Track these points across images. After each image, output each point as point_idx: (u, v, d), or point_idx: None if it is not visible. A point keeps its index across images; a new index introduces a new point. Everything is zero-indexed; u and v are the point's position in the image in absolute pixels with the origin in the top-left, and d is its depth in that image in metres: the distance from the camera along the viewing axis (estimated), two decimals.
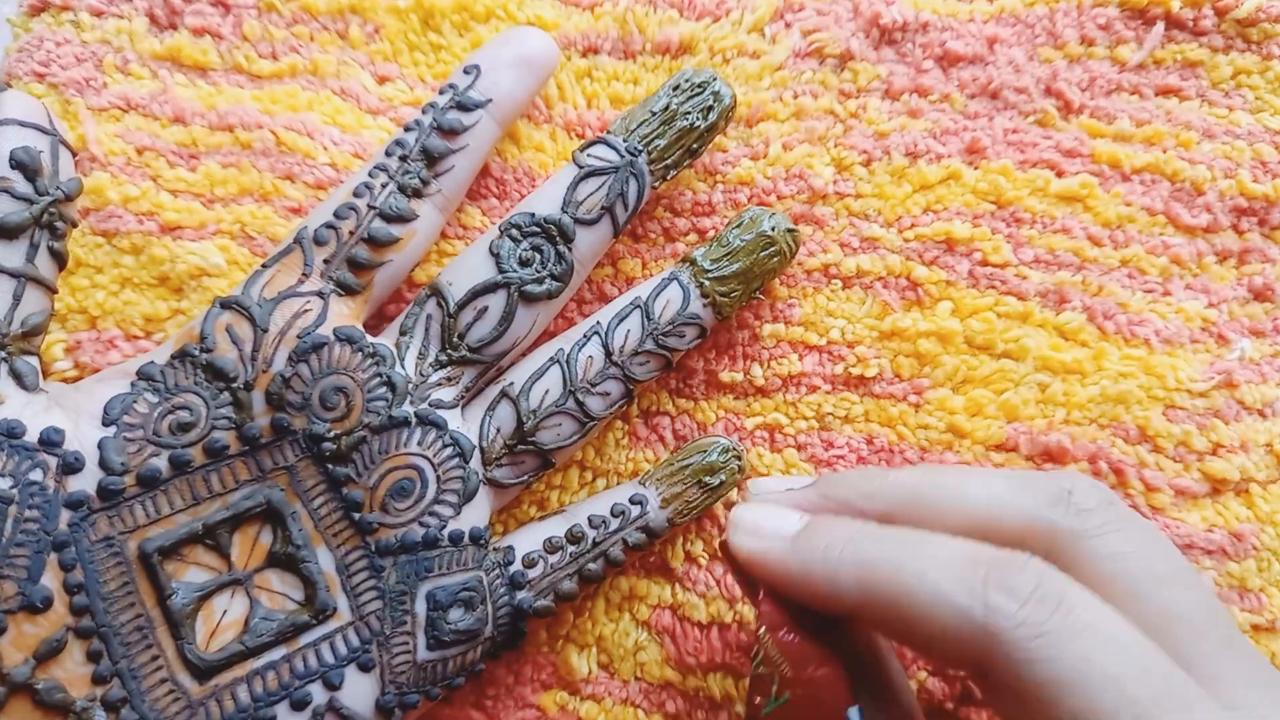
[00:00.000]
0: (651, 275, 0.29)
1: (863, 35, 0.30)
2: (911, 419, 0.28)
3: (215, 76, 0.29)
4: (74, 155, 0.24)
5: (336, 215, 0.24)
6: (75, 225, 0.24)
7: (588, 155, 0.26)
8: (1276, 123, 0.30)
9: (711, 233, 0.29)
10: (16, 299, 0.22)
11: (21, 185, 0.22)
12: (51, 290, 0.23)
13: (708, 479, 0.26)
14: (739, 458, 0.26)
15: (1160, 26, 0.30)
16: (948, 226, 0.29)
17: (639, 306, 0.26)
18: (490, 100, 0.25)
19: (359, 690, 0.23)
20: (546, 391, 0.25)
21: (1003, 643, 0.16)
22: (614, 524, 0.25)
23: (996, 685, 0.17)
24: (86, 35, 0.29)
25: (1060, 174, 0.29)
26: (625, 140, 0.26)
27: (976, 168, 0.29)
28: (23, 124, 0.23)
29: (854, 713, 0.19)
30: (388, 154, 0.25)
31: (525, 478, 0.26)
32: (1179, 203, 0.29)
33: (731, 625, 0.27)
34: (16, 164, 0.22)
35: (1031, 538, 0.19)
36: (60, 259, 0.23)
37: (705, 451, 0.26)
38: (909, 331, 0.28)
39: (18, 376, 0.22)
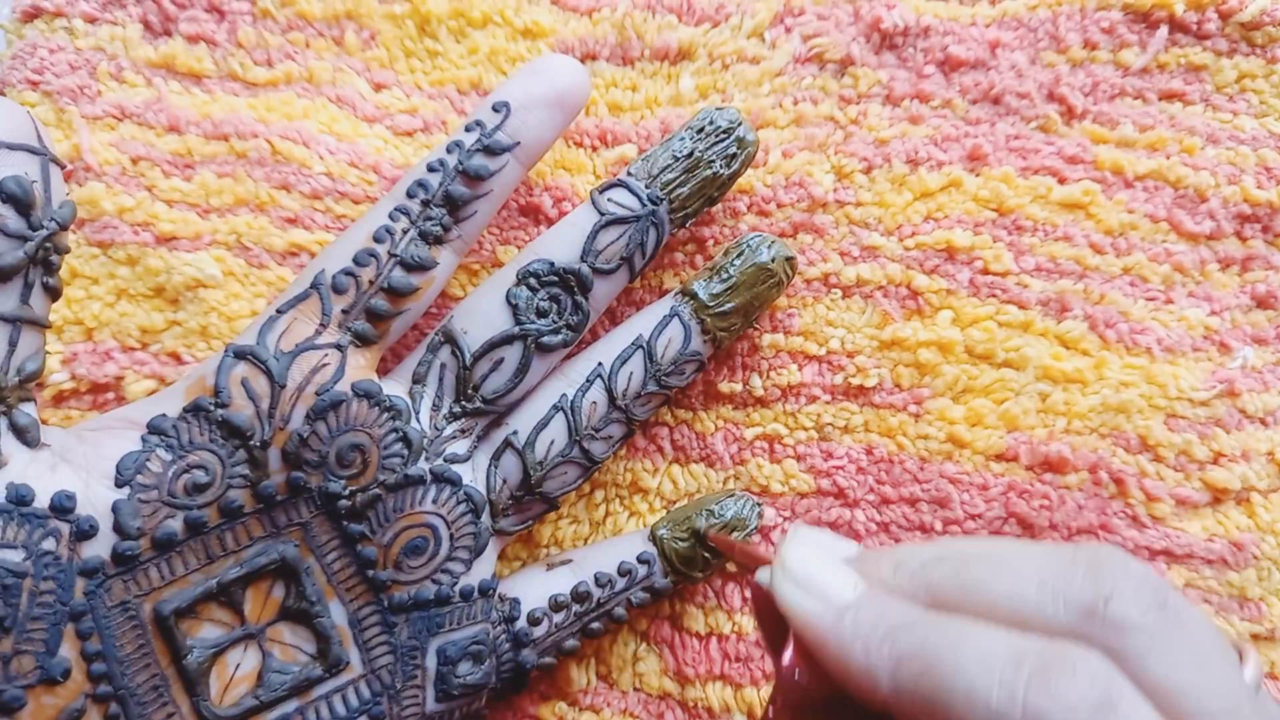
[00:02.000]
0: (649, 285, 0.28)
1: (863, 40, 0.30)
2: (911, 429, 0.28)
3: (210, 84, 0.29)
4: (63, 168, 0.22)
5: (356, 261, 0.24)
6: (68, 252, 0.23)
7: (608, 200, 0.25)
8: None
9: (711, 242, 0.28)
10: (13, 345, 0.21)
11: (14, 221, 0.20)
12: (45, 328, 0.22)
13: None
14: (760, 514, 0.26)
15: (1164, 30, 0.30)
16: (948, 235, 0.28)
17: (640, 347, 0.25)
18: (519, 144, 0.24)
19: None
20: (552, 442, 0.25)
21: None
22: (620, 584, 0.25)
23: None
24: (80, 42, 0.29)
25: (1062, 181, 0.29)
26: (648, 187, 0.25)
27: (978, 175, 0.29)
28: (10, 147, 0.21)
29: None
30: (410, 195, 0.24)
31: (529, 523, 0.26)
32: (1182, 209, 0.29)
33: (730, 636, 0.27)
34: (8, 198, 0.20)
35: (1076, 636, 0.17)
36: (54, 293, 0.22)
37: (721, 506, 0.26)
38: (909, 341, 0.28)
39: (20, 432, 0.21)
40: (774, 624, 0.19)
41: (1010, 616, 0.17)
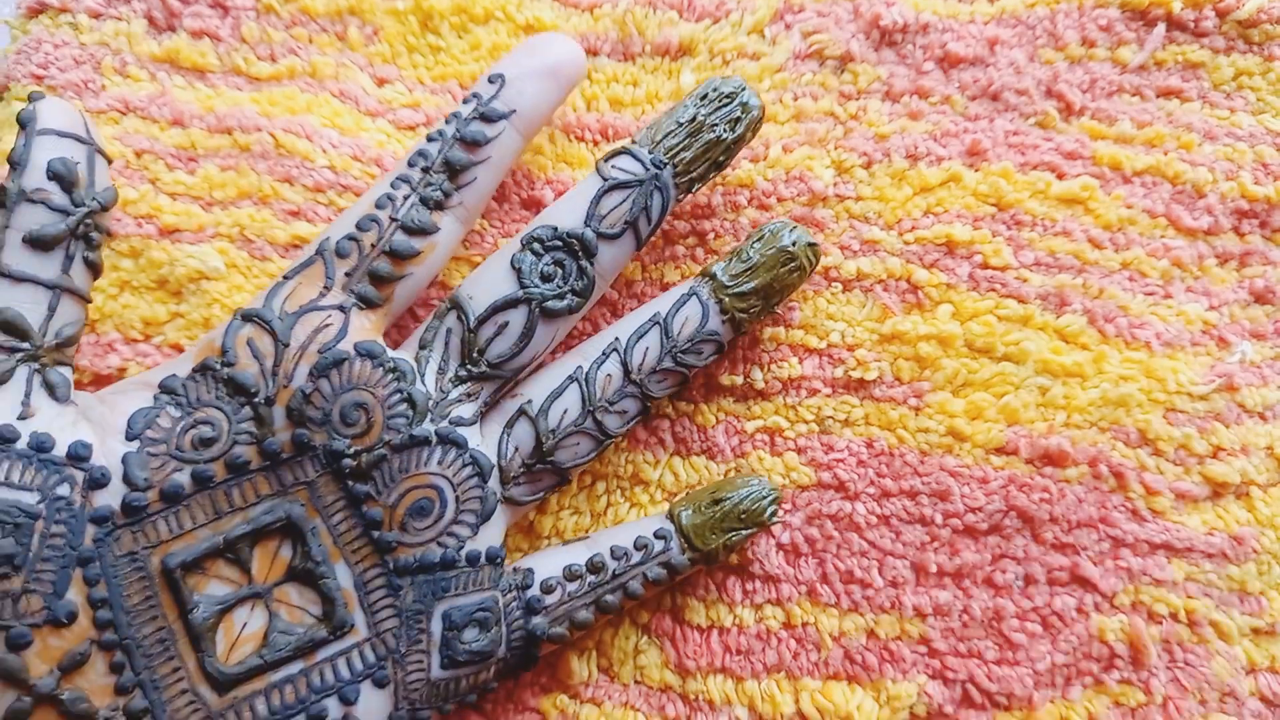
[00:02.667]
0: (651, 279, 0.28)
1: (863, 37, 0.30)
2: (911, 422, 0.28)
3: (214, 79, 0.29)
4: (110, 163, 0.24)
5: (359, 227, 0.24)
6: (111, 235, 0.24)
7: (611, 166, 0.25)
8: (1278, 124, 0.30)
9: (712, 235, 0.29)
10: (52, 310, 0.22)
11: (58, 197, 0.22)
12: (86, 300, 0.23)
13: (739, 523, 0.26)
14: (777, 501, 0.26)
15: (1161, 28, 0.30)
16: (948, 229, 0.29)
17: (658, 323, 0.25)
18: (514, 111, 0.25)
19: (373, 706, 0.23)
20: (565, 411, 0.25)
21: None
22: (636, 557, 0.25)
23: None
24: (85, 37, 0.29)
25: (1061, 176, 0.29)
26: (650, 152, 0.25)
27: (977, 170, 0.29)
28: (61, 134, 0.23)
29: None
30: (410, 164, 0.25)
31: (540, 494, 0.26)
32: (1180, 205, 0.29)
33: (731, 629, 0.27)
34: (53, 175, 0.22)
35: None
36: (95, 269, 0.23)
37: (739, 491, 0.26)
38: (909, 335, 0.28)
39: (50, 388, 0.22)
40: None
41: None
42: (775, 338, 0.28)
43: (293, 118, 0.29)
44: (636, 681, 0.27)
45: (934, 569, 0.27)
